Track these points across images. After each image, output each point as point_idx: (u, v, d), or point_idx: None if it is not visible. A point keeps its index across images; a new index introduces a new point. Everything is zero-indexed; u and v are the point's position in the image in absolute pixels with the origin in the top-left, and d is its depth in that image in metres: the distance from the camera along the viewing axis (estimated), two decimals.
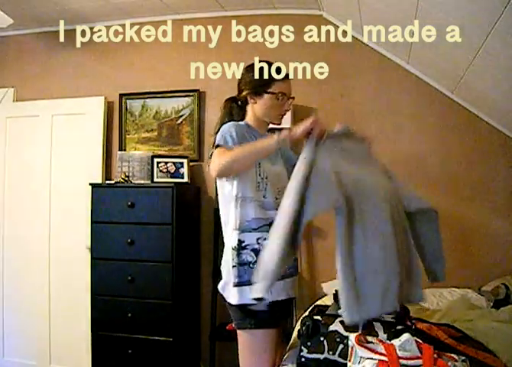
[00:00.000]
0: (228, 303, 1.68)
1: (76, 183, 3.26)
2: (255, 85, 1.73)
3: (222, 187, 1.72)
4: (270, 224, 1.60)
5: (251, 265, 1.61)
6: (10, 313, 3.43)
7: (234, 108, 1.82)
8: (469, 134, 2.93)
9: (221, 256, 1.76)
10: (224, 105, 1.85)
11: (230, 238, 1.67)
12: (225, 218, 1.72)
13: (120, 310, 2.87)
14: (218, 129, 1.72)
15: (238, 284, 1.62)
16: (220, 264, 1.77)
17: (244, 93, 1.76)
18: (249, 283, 1.56)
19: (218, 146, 1.63)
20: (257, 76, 1.74)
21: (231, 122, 1.71)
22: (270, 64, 1.76)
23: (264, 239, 1.61)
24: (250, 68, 1.79)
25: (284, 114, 1.80)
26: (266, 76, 1.72)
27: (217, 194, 1.78)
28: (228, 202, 1.69)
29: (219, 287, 1.74)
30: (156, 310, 2.83)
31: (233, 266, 1.63)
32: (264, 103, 1.74)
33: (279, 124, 1.81)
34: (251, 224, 1.64)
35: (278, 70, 1.74)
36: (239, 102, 1.82)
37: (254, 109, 1.77)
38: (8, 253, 3.46)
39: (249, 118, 1.80)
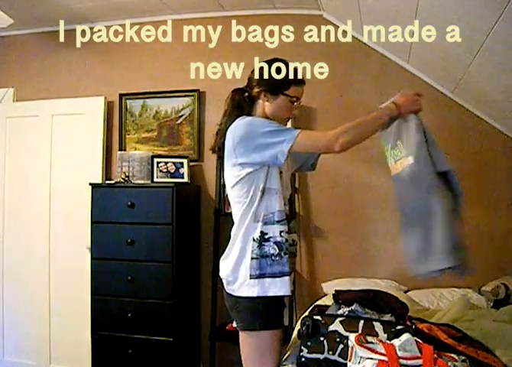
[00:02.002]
0: (238, 299, 1.62)
1: (76, 183, 3.26)
2: (273, 84, 1.71)
3: (241, 177, 1.64)
4: (287, 217, 1.66)
5: (273, 258, 1.59)
6: (10, 313, 3.43)
7: (244, 101, 1.76)
8: (469, 134, 2.93)
9: (223, 252, 1.74)
10: (232, 96, 1.79)
11: (249, 229, 1.63)
12: (243, 209, 1.65)
13: (120, 310, 2.87)
14: (228, 124, 1.68)
15: (259, 276, 1.58)
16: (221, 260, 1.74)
17: (258, 89, 1.72)
18: (271, 275, 1.57)
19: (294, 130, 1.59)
20: (277, 75, 1.71)
21: (251, 118, 1.68)
22: (288, 65, 1.74)
23: (286, 232, 1.63)
24: (271, 64, 1.74)
25: (292, 117, 1.80)
26: (285, 78, 1.71)
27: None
28: (249, 192, 1.63)
29: (229, 287, 1.68)
30: (156, 310, 2.83)
31: (252, 258, 1.60)
32: (277, 104, 1.72)
33: (284, 126, 1.78)
34: (275, 216, 1.62)
35: (296, 73, 1.73)
36: (247, 94, 1.77)
37: (265, 107, 1.74)
38: (7, 253, 3.46)
39: (258, 113, 1.75)
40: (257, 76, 1.74)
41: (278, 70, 1.72)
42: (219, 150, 1.77)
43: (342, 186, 3.07)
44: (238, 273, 1.63)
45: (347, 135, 1.58)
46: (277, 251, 1.60)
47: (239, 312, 1.66)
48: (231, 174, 1.68)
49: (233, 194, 1.70)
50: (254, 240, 1.61)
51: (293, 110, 1.76)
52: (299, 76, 1.74)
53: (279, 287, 1.58)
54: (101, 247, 2.93)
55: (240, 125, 1.65)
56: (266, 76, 1.72)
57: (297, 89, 1.72)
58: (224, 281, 1.72)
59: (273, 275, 1.58)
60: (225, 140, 1.70)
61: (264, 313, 1.61)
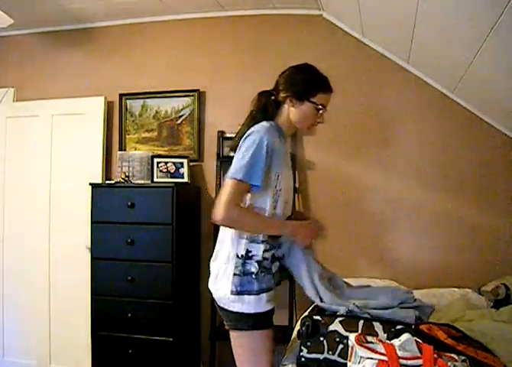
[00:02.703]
0: (222, 308, 1.67)
1: (76, 183, 3.26)
2: (300, 90, 1.69)
3: None
4: (275, 237, 1.67)
5: (253, 276, 1.62)
6: (10, 313, 3.43)
7: (270, 104, 1.74)
8: (469, 134, 2.93)
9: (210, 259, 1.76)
10: (258, 98, 1.77)
11: (235, 245, 1.64)
12: None
13: (120, 310, 2.87)
14: (253, 124, 1.67)
15: (238, 293, 1.60)
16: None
17: (285, 94, 1.71)
18: (249, 293, 1.59)
19: (237, 179, 1.53)
20: (304, 81, 1.70)
21: (267, 130, 1.62)
22: (317, 72, 1.74)
23: (268, 251, 1.64)
24: (298, 70, 1.74)
25: (316, 125, 1.77)
26: (313, 84, 1.70)
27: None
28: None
29: (212, 287, 1.71)
30: (156, 310, 2.83)
31: (235, 274, 1.61)
32: (302, 110, 1.70)
33: (307, 133, 1.79)
34: (260, 236, 1.63)
35: (324, 81, 1.72)
36: (273, 98, 1.75)
37: (290, 113, 1.72)
38: (7, 253, 3.46)
39: (282, 118, 1.74)
40: (284, 80, 1.73)
41: (306, 76, 1.71)
42: (234, 151, 1.73)
43: (342, 186, 3.07)
44: (220, 284, 1.66)
45: (241, 219, 1.56)
46: (258, 269, 1.62)
47: (227, 313, 1.67)
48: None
49: None
50: (238, 256, 1.63)
51: (317, 118, 1.73)
52: (328, 84, 1.72)
53: (254, 305, 1.61)
54: (101, 247, 2.93)
55: (250, 139, 1.61)
56: (293, 82, 1.70)
57: (324, 97, 1.70)
58: (210, 281, 1.74)
59: (250, 293, 1.60)
60: (240, 138, 1.68)
61: (251, 316, 1.62)
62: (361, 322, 1.47)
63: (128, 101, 3.40)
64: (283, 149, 1.72)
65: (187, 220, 3.05)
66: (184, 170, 3.10)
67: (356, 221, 3.05)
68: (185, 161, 3.12)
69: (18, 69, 3.62)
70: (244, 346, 1.67)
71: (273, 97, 1.75)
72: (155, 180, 3.06)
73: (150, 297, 2.84)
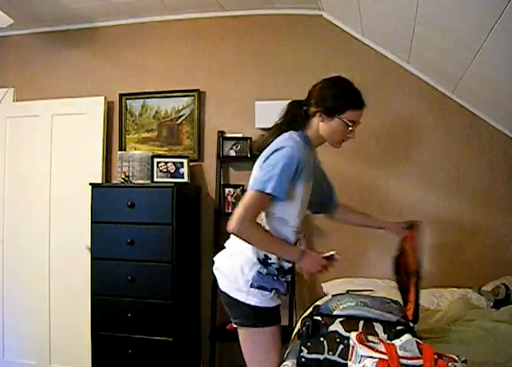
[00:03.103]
0: (236, 300, 1.65)
1: (76, 183, 3.26)
2: (330, 106, 1.66)
3: None
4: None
5: (274, 277, 1.65)
6: (10, 313, 3.43)
7: (300, 115, 1.73)
8: (469, 134, 2.93)
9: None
10: (288, 108, 1.77)
11: (255, 248, 1.64)
12: None
13: (120, 310, 2.87)
14: (278, 134, 1.68)
15: (259, 287, 1.62)
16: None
17: (315, 109, 1.69)
18: (269, 289, 1.63)
19: (260, 190, 1.55)
20: (335, 97, 1.67)
21: (298, 143, 1.62)
22: (350, 86, 1.70)
23: (287, 261, 1.68)
24: (330, 84, 1.71)
25: (347, 140, 1.73)
26: (343, 100, 1.66)
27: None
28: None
29: (224, 283, 1.71)
30: (156, 310, 2.83)
31: (258, 271, 1.63)
32: (331, 126, 1.68)
33: (337, 148, 1.77)
34: None
35: (356, 96, 1.69)
36: (305, 108, 1.73)
37: (319, 127, 1.70)
38: (8, 253, 3.46)
39: (312, 131, 1.72)
40: (316, 94, 1.71)
41: (337, 91, 1.68)
42: (258, 153, 1.73)
43: (343, 186, 3.05)
44: (239, 276, 1.65)
45: (250, 235, 1.58)
46: (277, 273, 1.66)
47: (237, 310, 1.68)
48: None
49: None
50: (258, 260, 1.64)
51: (347, 133, 1.69)
52: (360, 101, 1.69)
53: (275, 299, 1.67)
54: (101, 247, 2.93)
55: (280, 149, 1.60)
56: (324, 97, 1.68)
57: (354, 114, 1.67)
58: (220, 277, 1.74)
59: (267, 289, 1.63)
60: (266, 146, 1.68)
61: (262, 313, 1.64)
62: (361, 322, 1.47)
63: (127, 101, 3.40)
64: (311, 160, 1.73)
65: (187, 220, 3.05)
66: (184, 170, 3.10)
67: None
68: (185, 161, 3.12)
69: (18, 69, 3.62)
70: (255, 344, 1.68)
71: (304, 108, 1.73)
72: (155, 180, 3.06)
73: (150, 297, 2.84)
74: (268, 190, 1.53)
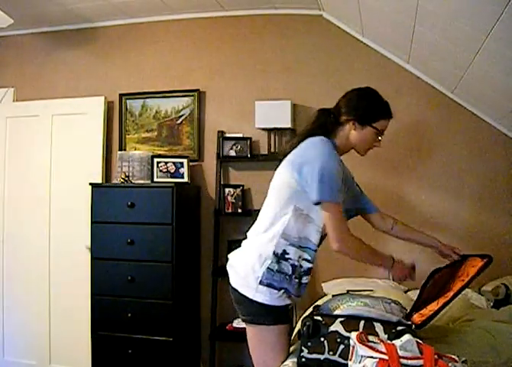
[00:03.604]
0: (245, 297, 1.65)
1: (76, 183, 3.26)
2: (363, 115, 1.73)
3: (288, 187, 1.67)
4: (311, 249, 1.69)
5: (287, 277, 1.64)
6: (10, 313, 3.43)
7: (330, 123, 1.77)
8: (469, 134, 2.93)
9: (227, 251, 1.77)
10: (317, 115, 1.81)
11: (274, 241, 1.65)
12: (276, 218, 1.67)
13: (120, 310, 2.87)
14: (304, 137, 1.72)
15: (268, 285, 1.62)
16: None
17: (347, 117, 1.74)
18: (278, 288, 1.62)
19: (333, 202, 1.62)
20: (369, 106, 1.75)
21: (331, 149, 1.68)
22: (380, 97, 1.80)
23: (306, 261, 1.67)
24: (362, 95, 1.79)
25: (372, 148, 1.82)
26: (376, 110, 1.75)
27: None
28: (286, 205, 1.66)
29: (235, 279, 1.71)
30: (156, 310, 2.83)
31: (269, 268, 1.63)
32: (363, 134, 1.75)
33: (362, 155, 1.84)
34: (301, 242, 1.66)
35: (387, 107, 1.78)
36: (333, 117, 1.78)
37: (350, 135, 1.76)
38: (7, 253, 3.46)
39: (341, 139, 1.77)
40: (348, 103, 1.77)
41: (370, 102, 1.76)
42: (284, 156, 1.77)
43: None
44: (249, 273, 1.65)
45: (353, 251, 1.67)
46: (291, 272, 1.65)
47: (246, 307, 1.68)
48: (285, 180, 1.69)
49: (272, 198, 1.72)
50: (274, 254, 1.64)
51: (375, 142, 1.79)
52: (389, 110, 1.78)
53: (284, 298, 1.65)
54: (101, 247, 2.93)
55: (316, 148, 1.67)
56: (357, 106, 1.75)
57: (384, 123, 1.77)
58: (232, 273, 1.74)
59: (280, 288, 1.63)
60: (293, 148, 1.73)
61: (272, 311, 1.65)
62: (362, 322, 1.46)
63: (127, 101, 3.40)
64: (341, 165, 1.77)
65: (187, 220, 3.05)
66: (184, 170, 3.10)
67: (357, 220, 3.05)
68: (185, 161, 3.12)
69: (18, 69, 3.62)
70: (263, 341, 1.68)
71: (332, 116, 1.78)
72: (155, 180, 3.07)
73: (150, 297, 2.84)
74: (338, 200, 1.63)
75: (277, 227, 1.66)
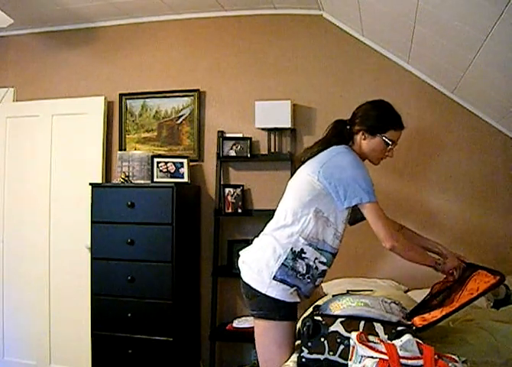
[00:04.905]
0: (258, 292, 1.68)
1: (76, 183, 3.26)
2: (373, 125, 1.81)
3: (312, 190, 1.71)
4: (329, 252, 1.73)
5: (299, 275, 1.68)
6: (10, 313, 3.43)
7: (346, 133, 1.86)
8: (469, 134, 2.93)
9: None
10: (334, 125, 1.90)
11: (293, 239, 1.69)
12: (293, 216, 1.71)
13: (120, 310, 2.87)
14: (325, 147, 1.78)
15: (281, 281, 1.65)
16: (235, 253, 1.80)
17: (358, 127, 1.83)
18: (290, 285, 1.65)
19: (372, 201, 1.68)
20: (378, 117, 1.82)
21: (356, 155, 1.77)
22: (392, 109, 1.86)
23: (322, 264, 1.72)
24: (374, 106, 1.87)
25: (385, 158, 1.88)
26: (386, 121, 1.82)
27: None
28: (308, 206, 1.70)
29: (248, 274, 1.72)
30: (156, 310, 2.83)
31: (283, 264, 1.66)
32: (373, 144, 1.82)
33: (375, 164, 1.90)
34: (319, 244, 1.70)
35: (397, 118, 1.84)
36: (348, 127, 1.86)
37: (362, 144, 1.83)
38: (7, 253, 3.46)
39: (356, 147, 1.84)
40: (360, 114, 1.85)
41: (380, 113, 1.84)
42: (302, 162, 1.83)
43: None
44: (263, 268, 1.68)
45: (406, 248, 1.72)
46: (305, 272, 1.69)
47: (258, 302, 1.70)
48: (308, 181, 1.73)
49: (299, 198, 1.74)
50: (292, 251, 1.67)
51: (386, 152, 1.85)
52: (400, 122, 1.85)
53: (294, 296, 1.68)
54: (101, 247, 2.93)
55: (344, 154, 1.74)
56: (368, 117, 1.83)
57: (394, 134, 1.83)
58: (244, 269, 1.76)
59: (293, 285, 1.67)
60: (313, 155, 1.79)
61: (283, 306, 1.68)
62: (362, 323, 1.47)
63: (127, 101, 3.40)
64: None
65: (187, 220, 3.05)
66: (184, 170, 3.10)
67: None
68: (185, 161, 3.12)
69: (18, 69, 3.62)
70: (269, 337, 1.71)
71: (348, 127, 1.86)
72: (155, 180, 3.07)
73: (150, 297, 2.84)
74: (377, 199, 1.69)
75: (297, 226, 1.70)
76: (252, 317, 1.77)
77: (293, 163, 2.73)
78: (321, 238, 1.70)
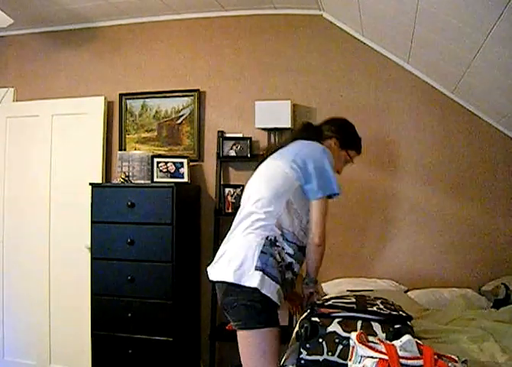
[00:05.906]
0: (237, 291, 1.64)
1: (75, 183, 3.26)
2: (347, 140, 2.03)
3: (285, 180, 1.77)
4: (295, 244, 1.78)
5: (278, 265, 1.68)
6: (10, 313, 3.43)
7: (315, 134, 1.99)
8: (469, 134, 2.92)
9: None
10: (303, 123, 2.07)
11: (268, 227, 1.71)
12: (267, 207, 1.74)
13: (120, 309, 2.87)
14: (293, 140, 1.93)
15: (262, 270, 1.62)
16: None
17: (333, 134, 2.01)
18: (270, 276, 1.63)
19: (332, 195, 1.82)
20: (353, 136, 2.07)
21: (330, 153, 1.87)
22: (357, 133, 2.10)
23: (286, 253, 1.74)
24: (351, 125, 2.09)
25: (339, 173, 2.05)
26: (355, 142, 2.07)
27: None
28: (281, 197, 1.75)
29: (225, 272, 1.68)
30: (156, 310, 2.83)
31: (262, 252, 1.65)
32: (338, 153, 2.01)
33: (337, 173, 2.01)
34: (289, 235, 1.74)
35: (360, 142, 2.09)
36: (318, 130, 2.03)
37: (333, 149, 1.97)
38: (7, 253, 3.46)
39: (328, 146, 1.95)
40: (336, 124, 2.05)
41: (355, 133, 2.08)
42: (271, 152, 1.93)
43: (343, 186, 3.06)
44: (244, 261, 1.65)
45: (323, 250, 1.84)
46: (280, 260, 1.70)
47: (237, 310, 1.66)
48: (281, 172, 1.79)
49: (272, 188, 1.78)
50: (267, 239, 1.69)
51: (343, 165, 2.08)
52: (361, 147, 2.10)
53: (271, 292, 1.63)
54: (101, 247, 2.93)
55: (318, 148, 1.85)
56: (345, 131, 2.05)
57: (355, 155, 2.08)
58: (221, 265, 1.72)
59: (272, 277, 1.64)
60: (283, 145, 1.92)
61: (262, 310, 1.63)
62: (360, 322, 1.47)
63: (127, 101, 3.40)
64: None
65: (187, 220, 3.05)
66: (184, 170, 3.10)
67: (356, 221, 3.05)
68: (185, 161, 3.12)
69: (18, 69, 3.62)
70: (254, 346, 1.65)
71: (317, 130, 2.03)
72: (155, 180, 3.07)
73: (150, 297, 2.84)
74: (338, 190, 1.80)
75: (271, 217, 1.72)
76: None
77: None
78: (291, 229, 1.74)
